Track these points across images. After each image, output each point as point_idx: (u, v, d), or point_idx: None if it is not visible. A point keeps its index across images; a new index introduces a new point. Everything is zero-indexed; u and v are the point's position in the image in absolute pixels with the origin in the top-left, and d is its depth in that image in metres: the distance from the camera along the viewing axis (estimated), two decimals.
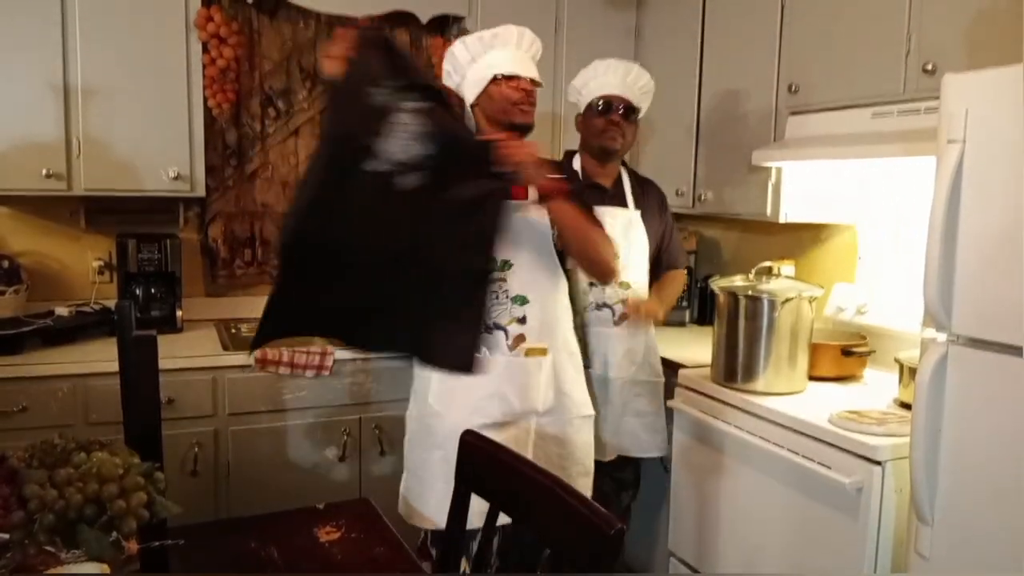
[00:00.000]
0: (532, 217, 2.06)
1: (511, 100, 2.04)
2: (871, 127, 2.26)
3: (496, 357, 2.05)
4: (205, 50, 2.75)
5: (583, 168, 2.55)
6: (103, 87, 2.61)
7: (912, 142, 2.08)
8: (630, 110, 2.48)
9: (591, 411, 2.24)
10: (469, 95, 2.10)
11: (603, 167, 2.54)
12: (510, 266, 2.07)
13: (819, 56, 2.48)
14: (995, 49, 1.91)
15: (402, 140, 1.72)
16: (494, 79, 2.04)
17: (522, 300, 2.06)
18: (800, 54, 2.56)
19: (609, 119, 2.46)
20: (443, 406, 2.06)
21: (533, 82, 2.08)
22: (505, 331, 2.06)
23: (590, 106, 2.50)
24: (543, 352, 2.11)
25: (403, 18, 3.06)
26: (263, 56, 3.06)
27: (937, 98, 1.73)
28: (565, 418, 2.16)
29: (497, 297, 2.03)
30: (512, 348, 2.06)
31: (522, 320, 2.07)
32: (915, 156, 2.08)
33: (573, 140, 2.66)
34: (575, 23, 3.22)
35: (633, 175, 2.66)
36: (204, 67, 2.76)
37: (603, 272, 2.17)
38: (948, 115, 1.66)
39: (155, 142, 2.69)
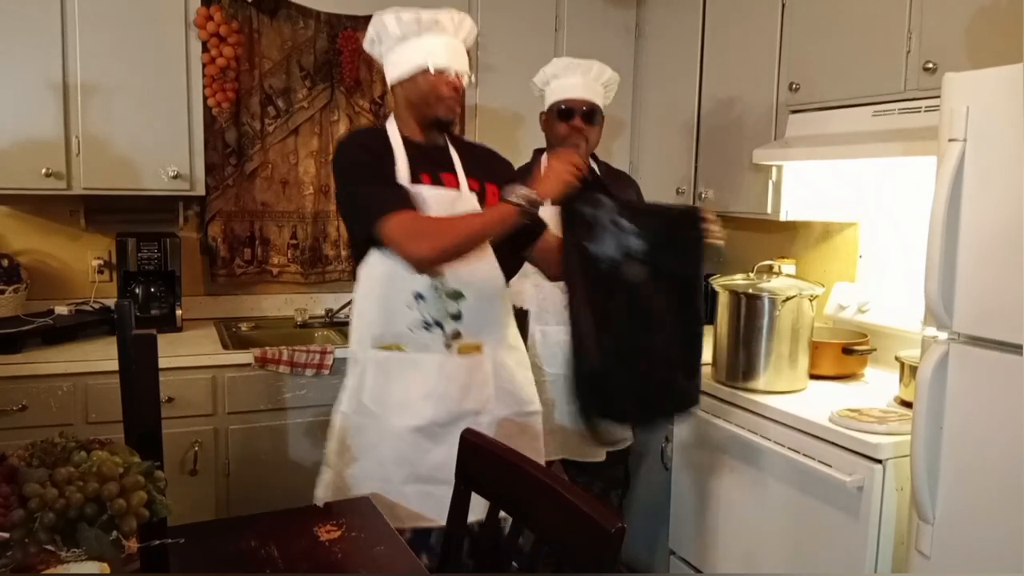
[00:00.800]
0: (469, 202, 1.97)
1: (439, 95, 1.92)
2: (872, 126, 2.26)
3: (431, 356, 1.93)
4: (205, 49, 2.75)
5: None
6: (103, 86, 2.61)
7: (913, 140, 2.08)
8: (592, 112, 2.45)
9: (537, 407, 2.10)
10: (391, 74, 1.98)
11: None
12: None
13: (820, 54, 2.48)
14: (996, 48, 1.91)
15: (614, 240, 1.85)
16: (424, 70, 1.91)
17: (457, 295, 1.93)
18: (801, 52, 2.56)
19: (571, 125, 2.44)
20: (379, 406, 1.94)
21: (463, 75, 1.96)
22: (441, 327, 1.93)
23: (552, 109, 2.48)
24: (478, 349, 1.98)
25: None
26: (263, 55, 3.06)
27: (938, 96, 1.73)
28: (505, 414, 2.02)
29: (436, 291, 1.92)
30: (448, 346, 1.94)
31: (457, 316, 1.93)
32: (916, 155, 2.08)
33: None
34: (575, 21, 3.22)
35: (605, 167, 2.64)
36: (204, 66, 2.76)
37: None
38: (949, 113, 1.66)
39: (155, 141, 2.69)
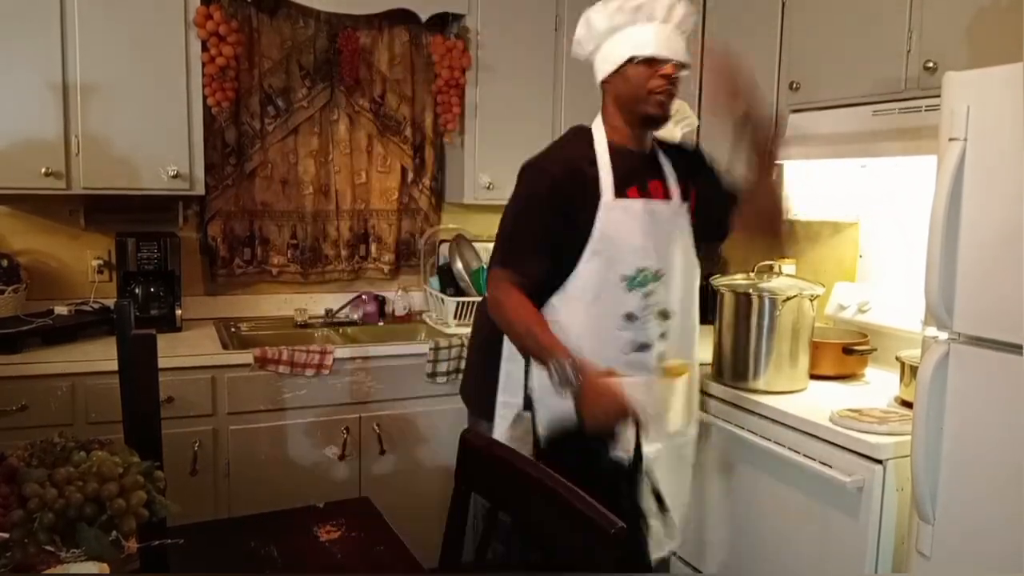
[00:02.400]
0: (679, 216, 1.89)
1: (648, 88, 1.77)
2: (872, 125, 2.26)
3: (642, 378, 1.84)
4: (204, 48, 2.74)
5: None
6: (102, 85, 2.60)
7: (913, 140, 2.08)
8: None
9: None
10: (601, 71, 1.85)
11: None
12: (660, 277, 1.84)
13: (820, 54, 2.47)
14: (996, 47, 1.91)
15: None
16: (631, 60, 1.76)
17: (665, 314, 1.86)
18: (801, 51, 2.55)
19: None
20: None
21: (678, 65, 1.79)
22: (651, 348, 1.86)
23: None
24: (685, 370, 1.92)
25: (403, 16, 3.06)
26: (262, 54, 3.06)
27: (938, 96, 1.72)
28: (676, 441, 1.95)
29: (647, 311, 1.82)
30: (656, 367, 1.87)
31: (664, 336, 1.87)
32: (916, 154, 2.08)
33: None
34: (575, 20, 3.19)
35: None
36: (203, 65, 2.75)
37: (779, 226, 1.95)
38: (949, 113, 1.66)
39: (154, 140, 2.69)
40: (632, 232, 1.81)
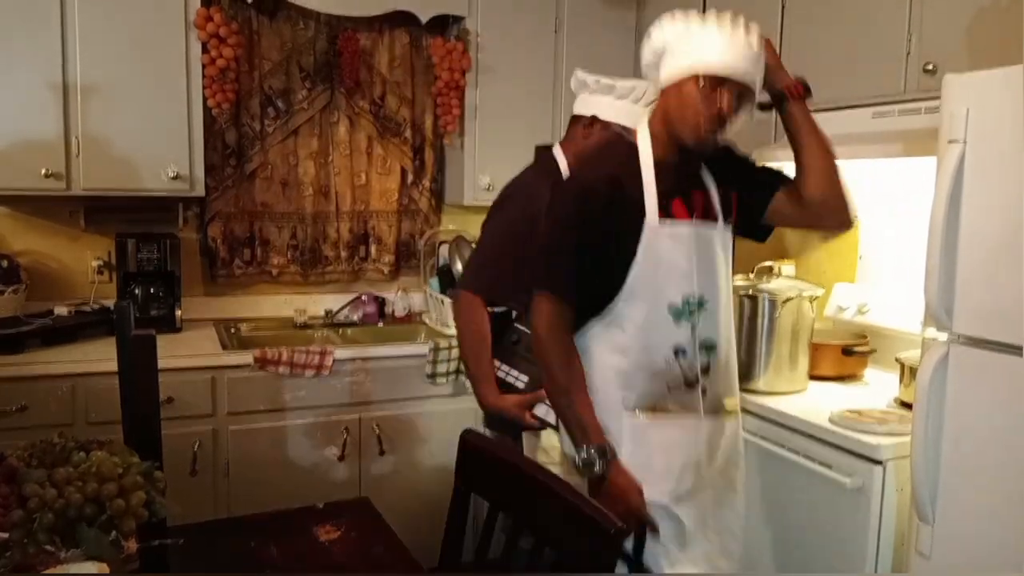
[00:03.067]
0: (725, 238, 1.79)
1: (699, 114, 1.62)
2: (872, 127, 2.26)
3: (691, 418, 1.75)
4: (205, 50, 2.75)
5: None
6: (103, 86, 2.60)
7: (913, 142, 2.08)
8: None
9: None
10: (665, 76, 1.69)
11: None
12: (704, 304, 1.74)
13: (820, 56, 2.47)
14: (996, 49, 1.91)
15: None
16: (694, 77, 1.61)
17: (709, 346, 1.75)
18: (800, 53, 2.55)
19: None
20: (637, 473, 1.71)
21: (741, 95, 1.65)
22: (697, 384, 1.75)
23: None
24: (734, 410, 1.84)
25: (403, 18, 3.06)
26: (262, 56, 3.06)
27: (938, 98, 1.73)
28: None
29: (694, 343, 1.72)
30: (701, 405, 1.77)
31: (705, 371, 1.75)
32: (916, 156, 2.08)
33: None
34: (575, 21, 3.21)
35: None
36: (204, 67, 2.76)
37: (846, 204, 1.80)
38: (949, 115, 1.66)
39: (154, 142, 2.69)
40: (678, 258, 1.70)
